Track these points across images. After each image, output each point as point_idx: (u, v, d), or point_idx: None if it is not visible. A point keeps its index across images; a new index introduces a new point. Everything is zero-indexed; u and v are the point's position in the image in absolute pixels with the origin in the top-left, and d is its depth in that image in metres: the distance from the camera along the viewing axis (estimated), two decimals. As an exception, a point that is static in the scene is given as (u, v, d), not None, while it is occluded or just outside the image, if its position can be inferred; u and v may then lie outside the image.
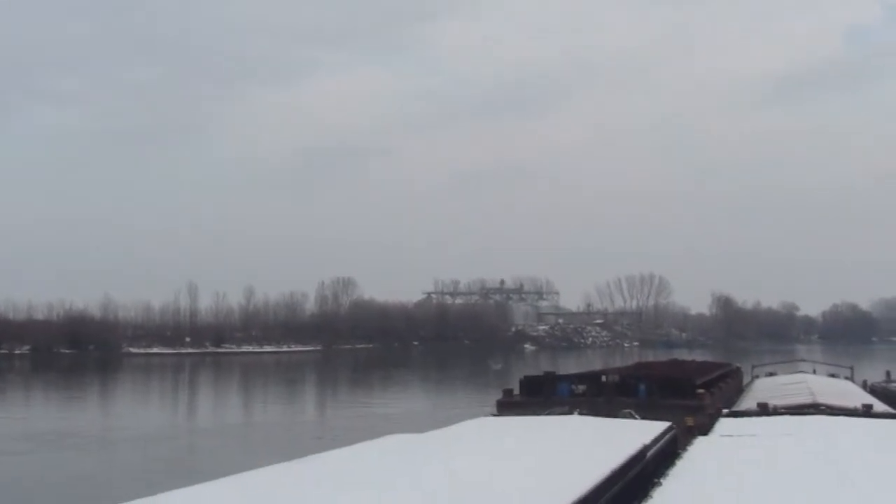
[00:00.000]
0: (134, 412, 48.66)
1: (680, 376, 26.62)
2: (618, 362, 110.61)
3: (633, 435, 16.47)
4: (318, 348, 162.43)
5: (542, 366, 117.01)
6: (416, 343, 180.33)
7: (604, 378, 25.11)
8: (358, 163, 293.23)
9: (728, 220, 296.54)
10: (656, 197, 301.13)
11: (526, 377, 26.08)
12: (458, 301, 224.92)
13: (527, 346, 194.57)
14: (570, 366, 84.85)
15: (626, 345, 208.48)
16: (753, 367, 45.07)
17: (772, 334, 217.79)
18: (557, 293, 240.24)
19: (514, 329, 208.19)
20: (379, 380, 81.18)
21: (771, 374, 42.05)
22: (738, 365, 40.59)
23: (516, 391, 25.25)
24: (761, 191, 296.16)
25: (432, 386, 73.25)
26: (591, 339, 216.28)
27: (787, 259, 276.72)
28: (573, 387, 24.70)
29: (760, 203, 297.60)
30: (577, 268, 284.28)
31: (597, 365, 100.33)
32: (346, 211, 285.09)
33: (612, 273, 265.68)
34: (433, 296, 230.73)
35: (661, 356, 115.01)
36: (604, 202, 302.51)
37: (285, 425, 40.08)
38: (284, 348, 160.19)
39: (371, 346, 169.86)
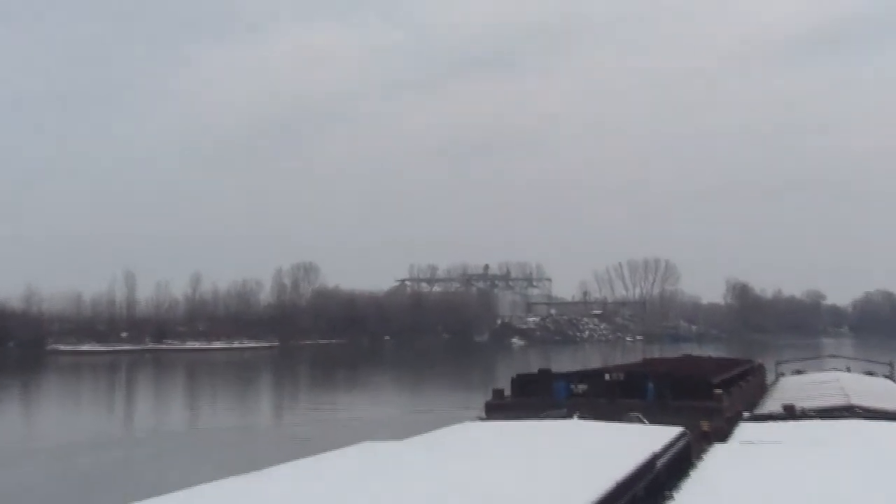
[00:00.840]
0: (58, 419, 48.22)
1: (694, 374, 26.70)
2: (620, 358, 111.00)
3: (640, 442, 16.35)
4: (275, 344, 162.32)
5: (532, 362, 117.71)
6: (387, 337, 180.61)
7: (607, 377, 25.17)
8: (319, 132, 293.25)
9: (743, 197, 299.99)
10: (659, 169, 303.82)
11: (518, 376, 26.15)
12: (436, 289, 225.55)
13: (514, 340, 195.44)
14: (564, 362, 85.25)
15: (628, 339, 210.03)
16: (778, 363, 45.24)
17: (795, 326, 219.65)
18: (549, 280, 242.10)
19: (500, 321, 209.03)
20: (345, 379, 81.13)
21: (798, 372, 42.18)
22: (761, 361, 40.74)
23: (507, 391, 25.31)
24: (780, 162, 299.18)
25: (408, 386, 73.26)
26: (588, 332, 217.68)
27: (812, 241, 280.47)
28: (572, 387, 24.75)
29: (779, 177, 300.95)
30: (573, 251, 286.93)
31: (596, 361, 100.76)
32: (306, 187, 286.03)
33: (612, 258, 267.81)
34: (407, 283, 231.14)
35: (669, 351, 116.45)
36: (602, 176, 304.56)
37: (236, 433, 39.84)
38: (236, 344, 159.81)
39: (336, 341, 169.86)
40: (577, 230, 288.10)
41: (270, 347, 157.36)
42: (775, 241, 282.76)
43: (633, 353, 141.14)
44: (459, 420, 22.47)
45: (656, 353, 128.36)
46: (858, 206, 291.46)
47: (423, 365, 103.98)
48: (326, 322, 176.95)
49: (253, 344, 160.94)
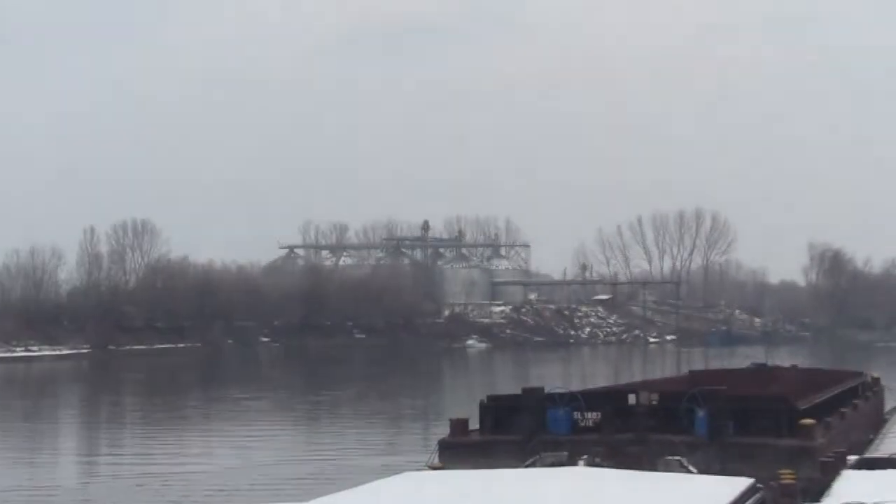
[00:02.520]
0: None
1: (770, 396, 27.03)
2: (648, 371, 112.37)
3: (687, 503, 16.73)
4: (85, 350, 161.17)
5: (501, 377, 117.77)
6: (265, 339, 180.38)
7: (633, 399, 25.44)
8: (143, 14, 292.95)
9: (826, 114, 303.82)
10: (699, 75, 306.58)
11: (491, 399, 26.38)
12: (346, 261, 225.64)
13: (472, 341, 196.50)
14: (553, 377, 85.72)
15: (652, 339, 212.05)
16: None
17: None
18: (528, 247, 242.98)
19: (448, 311, 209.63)
20: (199, 405, 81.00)
21: None
22: (875, 375, 41.42)
23: (474, 423, 25.57)
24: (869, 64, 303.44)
25: (304, 414, 73.41)
26: (588, 329, 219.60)
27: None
28: (577, 415, 25.01)
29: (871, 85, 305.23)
30: (564, 201, 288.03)
31: (604, 376, 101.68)
32: (128, 104, 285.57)
33: (627, 211, 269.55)
34: (299, 253, 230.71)
35: (723, 359, 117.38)
36: (608, 81, 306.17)
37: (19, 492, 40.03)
38: (20, 352, 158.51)
39: (183, 344, 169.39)
40: (570, 167, 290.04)
41: (77, 356, 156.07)
42: (877, 183, 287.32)
43: (663, 362, 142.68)
44: (398, 469, 22.73)
45: (699, 361, 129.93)
46: None
47: (325, 382, 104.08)
48: (167, 315, 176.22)
49: (49, 352, 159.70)
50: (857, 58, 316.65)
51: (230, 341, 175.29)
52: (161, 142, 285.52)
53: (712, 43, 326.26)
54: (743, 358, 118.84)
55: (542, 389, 26.93)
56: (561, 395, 25.84)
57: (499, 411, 25.85)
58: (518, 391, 27.16)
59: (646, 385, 29.66)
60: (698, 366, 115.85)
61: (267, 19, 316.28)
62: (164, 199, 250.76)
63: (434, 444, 25.04)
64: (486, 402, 26.41)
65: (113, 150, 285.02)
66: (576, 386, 29.19)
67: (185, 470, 44.88)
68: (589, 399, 25.86)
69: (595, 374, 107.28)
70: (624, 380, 78.58)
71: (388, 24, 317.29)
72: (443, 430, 25.62)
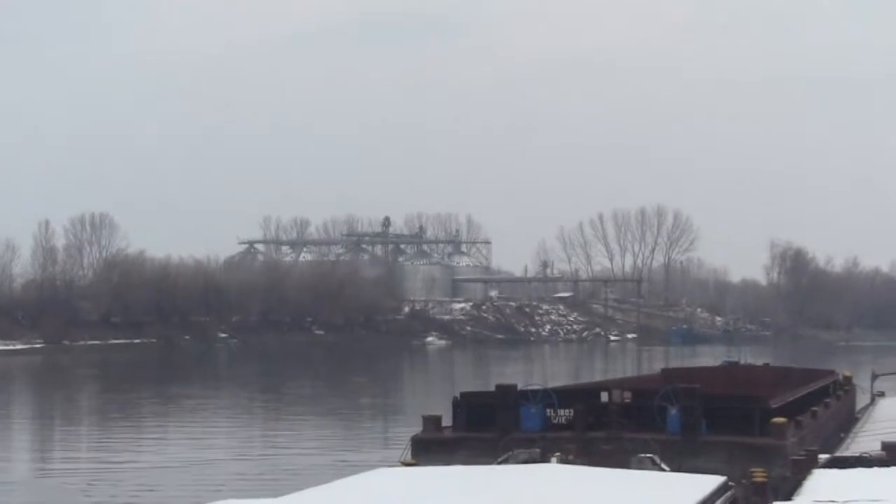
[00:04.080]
0: None
1: (742, 394, 27.24)
2: (609, 370, 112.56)
3: (659, 501, 16.84)
4: (39, 346, 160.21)
5: (459, 374, 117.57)
6: (223, 335, 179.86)
7: (605, 397, 25.59)
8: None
9: (787, 113, 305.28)
10: (663, 72, 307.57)
11: (464, 395, 26.56)
12: (306, 257, 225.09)
13: (432, 338, 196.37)
14: (514, 375, 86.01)
15: (613, 337, 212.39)
16: (875, 376, 46.39)
17: (880, 318, 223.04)
18: (488, 243, 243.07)
19: (408, 308, 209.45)
20: (155, 401, 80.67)
21: None
22: (846, 373, 41.68)
23: (446, 420, 25.72)
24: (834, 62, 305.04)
25: (263, 412, 73.30)
26: (549, 326, 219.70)
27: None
28: (549, 412, 25.14)
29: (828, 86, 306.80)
30: (525, 198, 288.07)
31: (563, 374, 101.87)
32: (87, 94, 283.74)
33: (589, 208, 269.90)
34: (259, 248, 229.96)
35: (679, 357, 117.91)
36: (571, 77, 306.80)
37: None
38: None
39: (140, 340, 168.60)
40: (531, 164, 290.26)
41: (29, 352, 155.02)
42: (841, 182, 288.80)
43: (623, 360, 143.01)
44: (362, 467, 22.80)
45: (660, 359, 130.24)
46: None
47: (284, 379, 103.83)
48: (123, 310, 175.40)
49: (2, 346, 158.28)
50: (819, 57, 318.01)
51: (187, 337, 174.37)
52: (121, 135, 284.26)
53: (669, 42, 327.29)
54: (704, 357, 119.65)
55: (515, 387, 26.96)
56: (534, 392, 25.93)
57: (472, 408, 25.99)
58: (494, 389, 27.21)
59: (619, 383, 29.79)
60: (659, 364, 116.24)
61: (220, 13, 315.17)
62: (124, 194, 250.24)
63: (407, 441, 25.09)
64: (459, 399, 26.54)
65: (72, 143, 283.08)
66: (530, 382, 29.21)
67: (140, 467, 44.65)
68: (562, 396, 25.98)
69: (556, 372, 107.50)
70: (585, 378, 78.91)
71: (351, 19, 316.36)
72: (403, 428, 25.69)
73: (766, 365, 47.52)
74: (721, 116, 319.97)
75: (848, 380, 40.15)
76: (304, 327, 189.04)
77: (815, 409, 30.00)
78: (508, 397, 25.88)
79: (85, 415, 75.34)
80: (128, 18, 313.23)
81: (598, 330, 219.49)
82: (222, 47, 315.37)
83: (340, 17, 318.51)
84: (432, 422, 25.50)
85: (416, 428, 26.36)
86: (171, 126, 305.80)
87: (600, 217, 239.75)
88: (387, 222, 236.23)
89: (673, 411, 24.51)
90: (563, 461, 22.40)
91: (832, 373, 39.73)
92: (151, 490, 38.30)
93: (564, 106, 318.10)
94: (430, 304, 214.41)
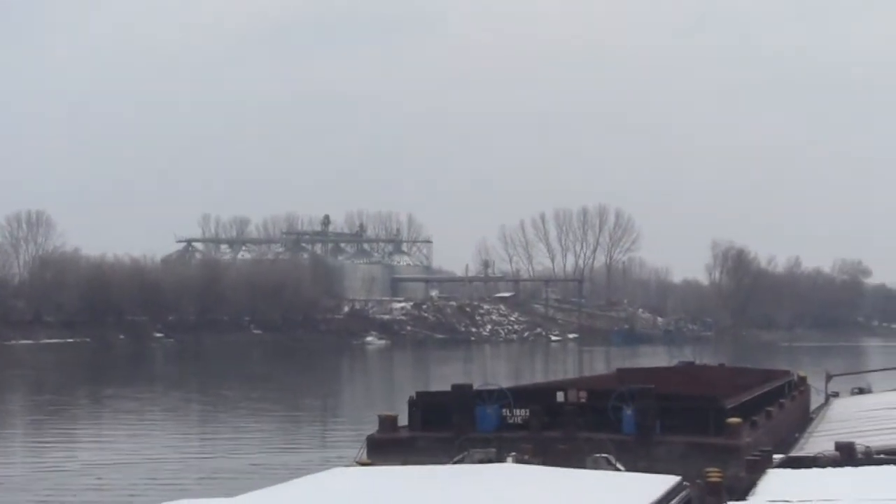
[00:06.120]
0: None
1: (697, 394, 27.51)
2: (550, 371, 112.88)
3: (613, 500, 17.04)
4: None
5: (398, 375, 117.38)
6: (159, 334, 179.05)
7: (561, 397, 25.76)
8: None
9: (727, 113, 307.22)
10: (605, 71, 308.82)
11: (420, 395, 26.67)
12: (245, 255, 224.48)
13: (371, 338, 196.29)
14: (455, 376, 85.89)
15: (554, 337, 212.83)
16: (829, 376, 46.92)
17: (823, 318, 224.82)
18: (430, 242, 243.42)
19: (347, 308, 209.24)
20: (88, 402, 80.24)
21: (861, 391, 43.85)
22: (801, 373, 42.12)
23: (403, 420, 25.82)
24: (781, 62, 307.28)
25: (199, 412, 73.12)
26: (490, 326, 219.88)
27: (844, 186, 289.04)
28: (505, 412, 25.27)
29: (782, 85, 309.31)
30: (466, 197, 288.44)
31: (504, 373, 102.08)
32: (26, 90, 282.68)
33: (531, 207, 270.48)
34: (197, 246, 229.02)
35: (620, 358, 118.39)
36: (515, 75, 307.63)
37: None
38: None
39: (74, 339, 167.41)
40: (473, 164, 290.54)
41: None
42: (785, 185, 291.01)
43: (565, 360, 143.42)
44: (324, 465, 22.86)
45: (601, 360, 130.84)
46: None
47: (221, 380, 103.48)
48: (57, 309, 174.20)
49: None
50: (758, 56, 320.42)
51: (122, 337, 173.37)
52: (59, 131, 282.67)
53: (616, 41, 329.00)
54: (646, 357, 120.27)
55: (471, 386, 27.13)
56: (490, 392, 26.04)
57: (427, 408, 26.10)
58: (449, 389, 27.23)
59: (574, 383, 29.94)
60: (600, 365, 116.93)
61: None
62: (61, 192, 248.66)
63: (363, 441, 25.19)
64: (416, 398, 26.62)
65: (8, 139, 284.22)
66: (472, 382, 29.32)
67: (72, 468, 44.40)
68: (518, 396, 26.09)
69: (497, 372, 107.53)
70: (526, 379, 79.15)
71: (287, 20, 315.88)
72: (370, 425, 25.80)
73: (722, 365, 48.06)
74: (662, 117, 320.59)
75: (803, 380, 40.55)
76: (242, 326, 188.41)
77: (770, 409, 30.28)
78: (464, 397, 26.03)
79: (13, 416, 74.80)
80: (67, 15, 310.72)
81: (539, 330, 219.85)
82: (164, 42, 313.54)
83: (278, 17, 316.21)
84: (388, 421, 25.58)
85: (370, 427, 26.46)
86: (112, 123, 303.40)
87: (542, 217, 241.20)
88: (326, 221, 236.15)
89: (628, 411, 24.66)
90: (518, 461, 22.49)
91: (787, 373, 40.12)
92: (97, 490, 38.10)
93: (506, 105, 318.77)
94: (370, 304, 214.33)
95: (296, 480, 19.23)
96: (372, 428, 26.35)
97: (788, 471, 21.18)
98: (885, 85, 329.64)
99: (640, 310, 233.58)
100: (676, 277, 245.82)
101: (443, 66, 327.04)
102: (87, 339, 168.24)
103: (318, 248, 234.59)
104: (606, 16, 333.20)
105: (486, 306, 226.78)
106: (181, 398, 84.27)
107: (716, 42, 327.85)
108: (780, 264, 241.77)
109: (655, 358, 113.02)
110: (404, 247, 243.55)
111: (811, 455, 23.50)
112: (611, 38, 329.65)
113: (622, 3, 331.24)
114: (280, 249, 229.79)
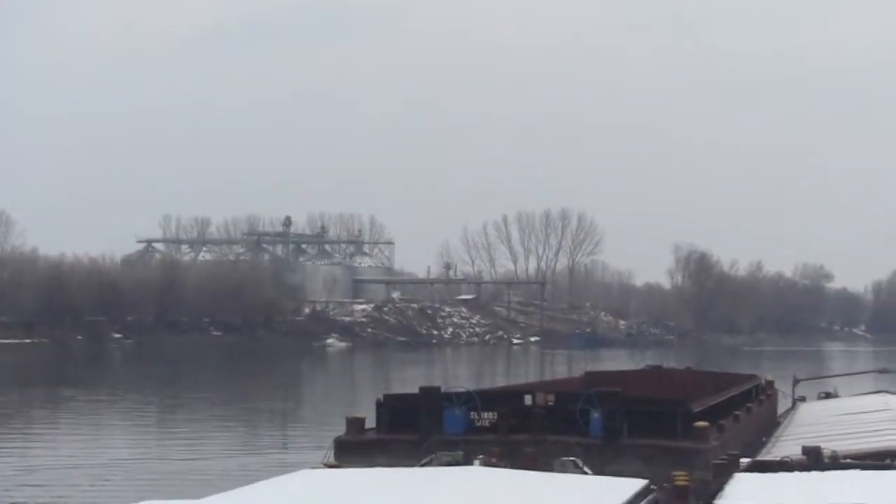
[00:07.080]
0: None
1: (664, 398, 27.63)
2: (512, 374, 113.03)
3: (580, 503, 17.09)
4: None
5: (359, 377, 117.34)
6: (118, 335, 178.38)
7: (529, 399, 25.76)
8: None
9: (696, 116, 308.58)
10: (570, 76, 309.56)
11: (388, 398, 26.67)
12: (206, 256, 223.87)
13: (332, 340, 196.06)
14: (416, 379, 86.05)
15: (516, 340, 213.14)
16: (797, 380, 47.27)
17: (785, 323, 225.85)
18: (391, 244, 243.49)
19: (308, 309, 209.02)
20: (43, 405, 79.90)
21: (828, 396, 44.16)
22: (769, 378, 42.36)
23: (370, 422, 25.78)
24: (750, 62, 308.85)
25: (158, 414, 72.96)
26: (451, 329, 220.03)
27: (806, 191, 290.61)
28: (473, 415, 25.30)
29: (750, 86, 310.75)
30: (428, 199, 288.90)
31: (467, 376, 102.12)
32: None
33: (493, 210, 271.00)
34: (157, 247, 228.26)
35: (582, 361, 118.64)
36: (479, 75, 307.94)
37: None
38: None
39: (31, 340, 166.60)
40: (435, 165, 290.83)
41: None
42: (750, 187, 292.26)
43: (527, 363, 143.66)
44: (290, 467, 22.86)
45: (566, 364, 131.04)
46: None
47: (181, 382, 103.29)
48: (13, 309, 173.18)
49: None
50: (727, 59, 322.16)
51: (80, 337, 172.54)
52: (20, 130, 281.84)
53: (581, 44, 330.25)
54: (607, 361, 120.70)
55: (439, 389, 27.18)
56: (458, 394, 26.06)
57: (395, 410, 26.08)
58: (417, 391, 27.19)
59: (542, 385, 29.98)
60: (562, 368, 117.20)
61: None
62: (21, 191, 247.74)
63: (330, 442, 25.18)
64: (383, 401, 26.62)
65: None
66: (434, 385, 29.38)
67: (30, 466, 44.31)
68: (485, 399, 26.08)
69: (458, 375, 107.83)
70: (487, 382, 79.29)
71: (257, 19, 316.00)
72: (306, 432, 25.81)
73: (689, 369, 48.25)
74: (625, 119, 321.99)
75: (770, 384, 40.76)
76: (202, 328, 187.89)
77: (737, 413, 30.37)
78: (432, 399, 26.02)
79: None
80: (29, 12, 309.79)
81: (500, 333, 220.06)
82: (126, 40, 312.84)
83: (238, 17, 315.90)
84: (355, 423, 25.54)
85: (333, 430, 26.48)
86: (72, 122, 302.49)
87: (504, 219, 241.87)
88: (288, 222, 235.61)
89: (595, 415, 24.68)
90: (486, 464, 22.46)
91: (754, 377, 40.26)
92: (47, 490, 38.02)
93: (469, 108, 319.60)
94: (331, 306, 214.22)
95: (263, 482, 19.22)
96: (336, 430, 26.39)
97: (755, 475, 21.22)
98: (847, 92, 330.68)
99: (603, 313, 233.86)
100: (639, 281, 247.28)
101: (404, 68, 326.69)
102: (45, 340, 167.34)
103: (280, 249, 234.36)
104: (564, 16, 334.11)
105: (447, 308, 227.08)
106: (140, 400, 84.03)
107: (675, 43, 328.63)
108: (743, 268, 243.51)
109: (617, 362, 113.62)
110: (366, 248, 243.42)
111: (778, 459, 23.59)
112: (570, 40, 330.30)
113: (579, 3, 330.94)
114: (241, 250, 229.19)
